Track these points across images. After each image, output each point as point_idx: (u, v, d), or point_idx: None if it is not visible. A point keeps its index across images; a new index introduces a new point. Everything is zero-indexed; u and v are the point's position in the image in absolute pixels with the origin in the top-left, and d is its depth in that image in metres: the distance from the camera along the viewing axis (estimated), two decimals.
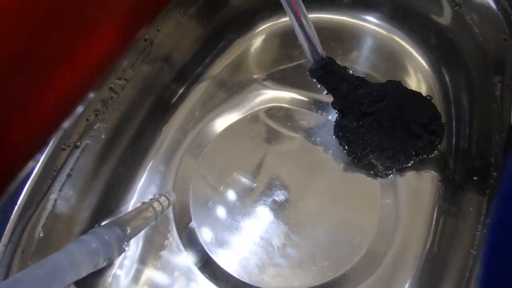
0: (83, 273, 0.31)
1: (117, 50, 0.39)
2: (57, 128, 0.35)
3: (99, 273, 0.42)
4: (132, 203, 0.45)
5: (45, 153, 0.34)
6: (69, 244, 0.31)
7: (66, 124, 0.35)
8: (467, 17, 0.43)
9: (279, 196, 0.45)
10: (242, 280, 0.42)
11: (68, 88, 0.35)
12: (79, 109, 0.36)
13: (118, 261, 0.42)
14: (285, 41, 0.54)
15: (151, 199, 0.40)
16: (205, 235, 0.44)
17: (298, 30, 0.40)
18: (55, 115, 0.35)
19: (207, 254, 0.43)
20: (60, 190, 0.37)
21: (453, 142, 0.45)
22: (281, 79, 0.51)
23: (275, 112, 0.49)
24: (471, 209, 0.38)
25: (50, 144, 0.35)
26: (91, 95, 0.36)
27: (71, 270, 0.30)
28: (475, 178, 0.39)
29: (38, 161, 0.34)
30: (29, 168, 0.33)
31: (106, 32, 0.36)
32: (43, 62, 0.33)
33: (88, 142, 0.39)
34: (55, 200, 0.37)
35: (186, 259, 0.43)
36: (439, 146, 0.43)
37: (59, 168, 0.36)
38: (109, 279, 0.42)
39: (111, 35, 0.37)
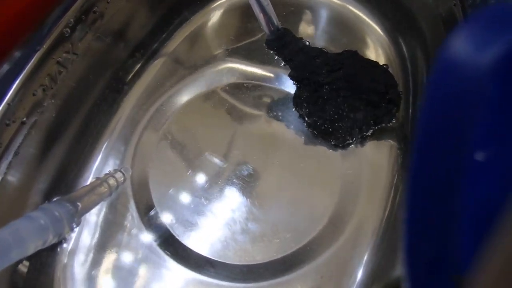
0: (31, 250, 0.30)
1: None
2: None
3: (54, 252, 0.41)
4: (88, 183, 0.44)
5: None
6: (14, 220, 0.30)
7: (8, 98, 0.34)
8: None
9: (242, 171, 0.44)
10: (206, 256, 0.41)
11: None
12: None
13: (72, 240, 0.41)
14: (243, 15, 0.53)
15: (106, 174, 0.39)
16: (166, 213, 0.43)
17: (252, 1, 0.40)
18: None
19: (168, 232, 0.42)
20: (7, 169, 0.36)
21: (410, 111, 0.45)
22: (240, 54, 0.51)
23: (235, 88, 0.49)
24: None
25: None
26: (17, 54, 0.35)
27: (16, 246, 0.28)
28: None
29: None
30: None
31: None
32: None
33: (36, 118, 0.38)
34: (2, 180, 0.35)
35: (147, 238, 0.42)
36: (397, 114, 0.44)
37: (4, 146, 0.35)
38: (65, 260, 0.41)
39: None
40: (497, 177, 0.13)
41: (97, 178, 0.38)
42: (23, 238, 0.29)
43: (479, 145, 0.13)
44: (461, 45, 0.12)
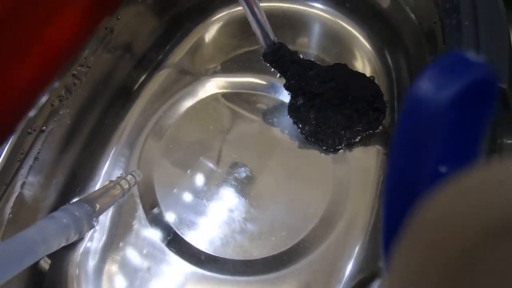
0: (55, 246, 0.33)
1: (78, 41, 0.40)
2: (24, 114, 0.36)
3: (70, 250, 0.44)
4: (98, 185, 0.47)
5: (12, 136, 0.36)
6: (40, 220, 0.33)
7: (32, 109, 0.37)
8: (403, 2, 0.47)
9: (240, 174, 0.47)
10: (207, 252, 0.44)
11: (32, 75, 0.36)
12: (45, 96, 0.38)
13: (87, 239, 0.44)
14: (241, 28, 0.56)
15: (119, 177, 0.42)
16: (170, 213, 0.46)
17: (250, 18, 0.43)
18: (21, 102, 0.36)
19: (173, 230, 0.45)
20: (28, 172, 0.39)
21: (396, 118, 0.49)
22: (238, 64, 0.54)
23: (233, 96, 0.52)
24: None
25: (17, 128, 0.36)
26: (57, 84, 0.38)
27: (43, 244, 0.32)
28: None
29: (6, 144, 0.35)
30: None
31: (70, 22, 0.38)
32: (9, 48, 0.34)
33: (52, 126, 0.41)
34: (23, 183, 0.38)
35: (153, 236, 0.45)
36: (383, 122, 0.47)
37: (26, 152, 0.38)
38: (78, 258, 0.44)
39: (74, 25, 0.38)
40: None
41: (111, 181, 0.41)
42: (48, 235, 0.32)
43: (441, 160, 0.17)
44: (426, 84, 0.16)
